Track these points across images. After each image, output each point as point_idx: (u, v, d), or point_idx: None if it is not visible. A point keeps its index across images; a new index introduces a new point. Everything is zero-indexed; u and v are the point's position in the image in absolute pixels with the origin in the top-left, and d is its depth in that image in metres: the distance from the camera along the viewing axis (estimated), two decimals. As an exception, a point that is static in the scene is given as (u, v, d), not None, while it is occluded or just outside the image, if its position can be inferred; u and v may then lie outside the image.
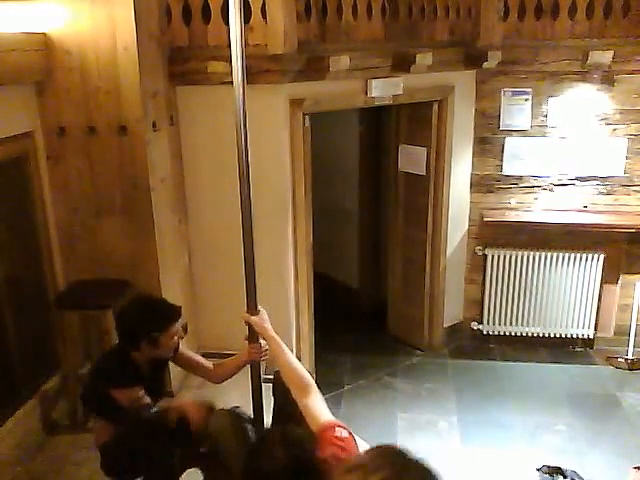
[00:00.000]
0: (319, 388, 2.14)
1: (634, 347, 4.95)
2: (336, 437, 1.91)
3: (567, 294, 5.04)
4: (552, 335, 5.17)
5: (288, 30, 3.52)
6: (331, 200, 5.80)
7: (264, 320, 2.39)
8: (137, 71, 3.24)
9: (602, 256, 4.91)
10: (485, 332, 5.26)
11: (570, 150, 4.84)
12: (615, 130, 4.77)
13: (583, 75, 4.69)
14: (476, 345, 5.26)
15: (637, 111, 4.72)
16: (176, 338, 2.63)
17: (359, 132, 5.56)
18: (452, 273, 5.10)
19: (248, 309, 2.40)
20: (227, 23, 2.27)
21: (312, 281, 4.34)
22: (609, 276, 5.00)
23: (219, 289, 4.10)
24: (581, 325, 5.10)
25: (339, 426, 1.96)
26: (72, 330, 3.38)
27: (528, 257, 5.01)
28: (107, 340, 3.24)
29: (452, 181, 4.84)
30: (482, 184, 4.99)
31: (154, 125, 3.46)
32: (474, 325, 5.29)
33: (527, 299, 5.11)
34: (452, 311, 5.25)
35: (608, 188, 4.87)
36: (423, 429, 4.16)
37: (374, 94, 4.11)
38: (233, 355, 2.79)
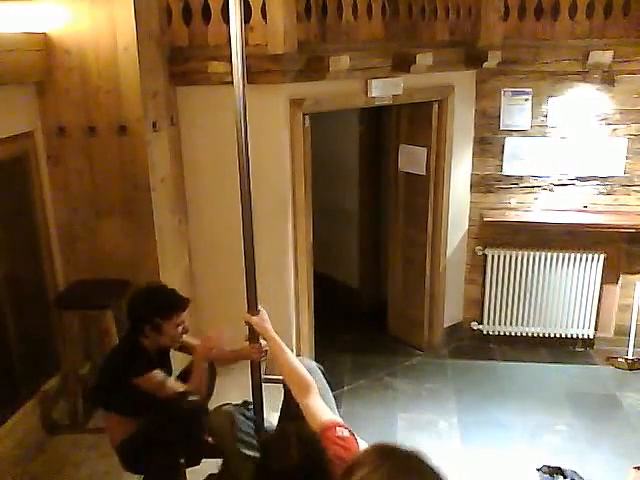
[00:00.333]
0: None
1: (634, 347, 4.95)
2: (338, 436, 1.91)
3: (567, 294, 5.04)
4: (552, 335, 5.17)
5: (288, 30, 3.53)
6: (331, 200, 5.80)
7: (264, 320, 2.39)
8: (137, 71, 3.24)
9: (602, 256, 4.91)
10: (485, 332, 5.26)
11: (570, 150, 4.84)
12: (615, 130, 4.77)
13: (583, 75, 4.69)
14: (476, 345, 5.26)
15: (637, 111, 4.72)
16: (180, 329, 2.67)
17: (359, 132, 5.56)
18: (452, 273, 5.10)
19: (248, 309, 2.40)
20: (227, 23, 2.28)
21: (312, 281, 4.34)
22: (609, 276, 5.00)
23: (219, 289, 4.09)
24: (581, 325, 5.11)
25: (340, 425, 1.97)
26: (72, 330, 3.38)
27: (528, 257, 5.01)
28: (107, 340, 3.24)
29: (452, 181, 4.84)
30: (482, 184, 4.99)
31: (154, 125, 3.46)
32: (474, 325, 5.29)
33: (527, 299, 5.11)
34: (452, 311, 5.25)
35: (608, 188, 4.87)
36: (423, 429, 4.16)
37: (374, 94, 4.11)
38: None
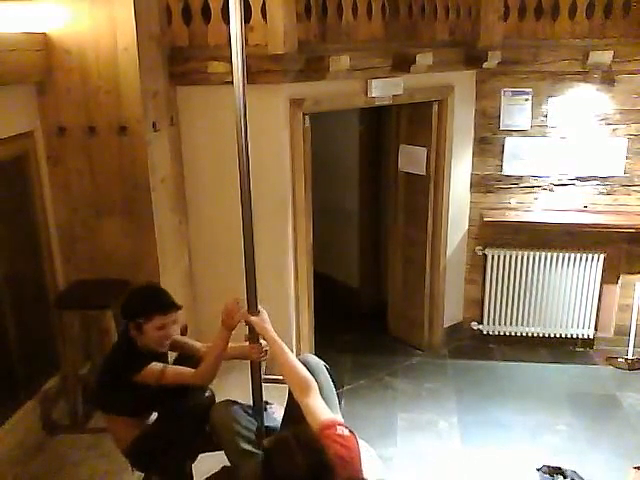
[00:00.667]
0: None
1: (634, 347, 4.95)
2: (338, 435, 1.93)
3: (567, 294, 5.05)
4: (552, 335, 5.17)
5: (288, 30, 3.53)
6: (331, 200, 5.80)
7: (264, 320, 2.39)
8: (137, 71, 3.24)
9: (602, 256, 4.91)
10: (485, 332, 5.27)
11: (570, 150, 4.84)
12: (615, 130, 4.77)
13: (583, 75, 4.69)
14: (476, 345, 5.26)
15: (637, 111, 4.72)
16: (163, 332, 2.59)
17: (359, 132, 5.56)
18: (452, 273, 5.10)
19: (248, 309, 2.41)
20: (227, 23, 2.28)
21: (312, 281, 4.34)
22: (609, 276, 5.00)
23: (219, 289, 4.08)
24: (581, 325, 5.11)
25: (340, 424, 1.98)
26: (72, 330, 3.38)
27: (528, 257, 5.01)
28: (107, 340, 3.24)
29: (452, 181, 4.84)
30: (482, 184, 4.99)
31: (154, 125, 3.46)
32: (474, 325, 5.29)
33: (527, 299, 5.11)
34: (452, 311, 5.25)
35: (608, 188, 4.87)
36: (423, 429, 4.16)
37: (374, 94, 4.11)
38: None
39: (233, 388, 3.23)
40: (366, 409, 4.38)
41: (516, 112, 4.81)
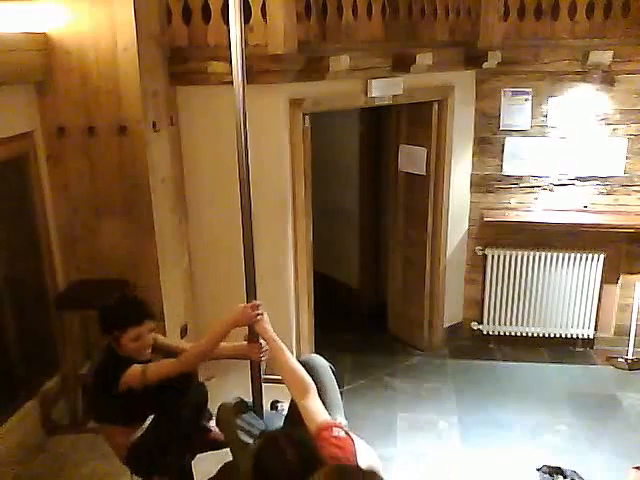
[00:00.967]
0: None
1: (634, 347, 4.95)
2: (334, 437, 1.93)
3: (567, 294, 5.04)
4: (552, 335, 5.17)
5: (288, 30, 3.53)
6: (331, 200, 5.80)
7: (264, 321, 2.39)
8: (137, 71, 3.25)
9: (602, 256, 4.91)
10: (485, 332, 5.26)
11: (570, 150, 4.84)
12: (615, 130, 4.77)
13: (583, 75, 4.69)
14: (476, 345, 5.26)
15: (637, 111, 4.72)
16: (139, 343, 2.59)
17: (359, 132, 5.56)
18: (452, 273, 5.10)
19: (248, 309, 2.40)
20: (227, 23, 2.28)
21: (312, 281, 4.34)
22: (609, 276, 5.00)
23: (219, 289, 4.09)
24: (581, 325, 5.10)
25: (336, 426, 1.98)
26: (72, 330, 3.38)
27: (528, 257, 5.01)
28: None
29: (452, 181, 4.84)
30: (482, 184, 4.99)
31: (154, 125, 3.46)
32: (474, 325, 5.29)
33: (527, 299, 5.11)
34: (452, 311, 5.25)
35: (608, 188, 4.87)
36: (423, 429, 4.16)
37: (374, 94, 4.11)
38: None
39: (233, 388, 3.23)
40: (366, 409, 4.38)
41: (516, 112, 4.81)
